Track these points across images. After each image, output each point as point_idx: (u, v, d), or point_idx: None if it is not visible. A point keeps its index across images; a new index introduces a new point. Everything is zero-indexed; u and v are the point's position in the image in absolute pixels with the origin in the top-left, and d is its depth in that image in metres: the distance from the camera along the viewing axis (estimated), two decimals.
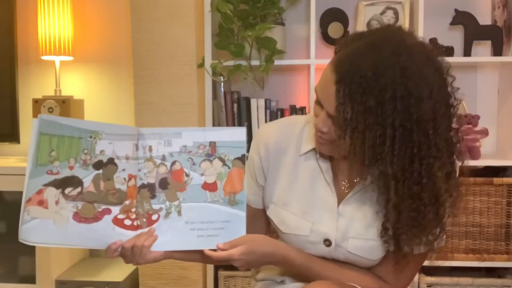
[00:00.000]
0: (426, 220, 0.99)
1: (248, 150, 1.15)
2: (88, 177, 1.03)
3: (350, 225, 1.10)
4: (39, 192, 0.99)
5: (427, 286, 2.06)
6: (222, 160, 1.08)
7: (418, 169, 0.95)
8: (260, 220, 1.22)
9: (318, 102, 1.04)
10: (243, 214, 1.08)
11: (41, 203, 0.99)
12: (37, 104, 2.30)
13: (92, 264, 2.39)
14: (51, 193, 1.00)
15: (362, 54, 0.94)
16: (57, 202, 1.00)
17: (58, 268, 2.23)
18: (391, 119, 0.92)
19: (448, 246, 2.08)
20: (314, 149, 1.13)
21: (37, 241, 1.00)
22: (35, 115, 2.30)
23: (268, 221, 1.22)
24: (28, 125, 2.46)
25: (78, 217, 1.02)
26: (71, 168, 1.01)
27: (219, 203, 1.08)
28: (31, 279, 2.19)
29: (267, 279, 1.22)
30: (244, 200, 1.09)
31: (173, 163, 1.08)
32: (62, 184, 1.01)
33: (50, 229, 0.99)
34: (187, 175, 1.08)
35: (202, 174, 1.08)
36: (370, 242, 1.08)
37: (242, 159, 1.09)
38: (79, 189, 1.02)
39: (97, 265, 2.37)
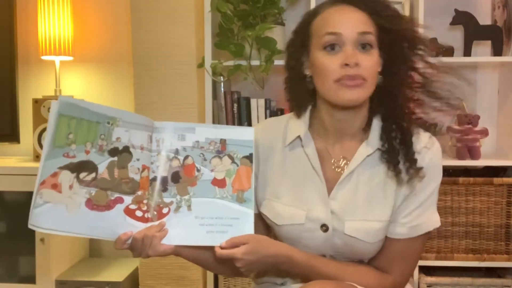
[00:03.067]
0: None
1: None
2: (103, 163, 1.02)
3: (344, 208, 1.10)
4: (54, 175, 0.98)
5: (427, 286, 2.06)
6: (231, 157, 1.10)
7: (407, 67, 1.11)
8: (258, 224, 1.21)
9: (332, 47, 1.06)
10: (251, 212, 1.09)
11: (55, 186, 0.97)
12: (37, 104, 2.30)
13: (92, 264, 2.40)
14: (66, 177, 0.99)
15: None
16: (71, 187, 0.99)
17: (58, 268, 2.23)
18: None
19: (448, 246, 2.08)
20: (298, 137, 1.15)
21: (47, 227, 0.97)
22: (35, 115, 2.31)
23: (267, 226, 1.21)
24: (28, 126, 2.49)
25: (91, 204, 1.00)
26: (87, 152, 1.01)
27: (228, 200, 1.09)
28: (31, 279, 2.19)
29: (267, 281, 1.21)
30: (252, 199, 1.09)
31: (186, 157, 1.09)
32: (77, 168, 1.00)
33: (61, 215, 0.98)
34: (198, 170, 1.09)
35: (212, 170, 1.09)
36: (367, 223, 1.09)
37: (250, 158, 1.11)
38: (93, 175, 1.01)
39: (97, 265, 2.37)
